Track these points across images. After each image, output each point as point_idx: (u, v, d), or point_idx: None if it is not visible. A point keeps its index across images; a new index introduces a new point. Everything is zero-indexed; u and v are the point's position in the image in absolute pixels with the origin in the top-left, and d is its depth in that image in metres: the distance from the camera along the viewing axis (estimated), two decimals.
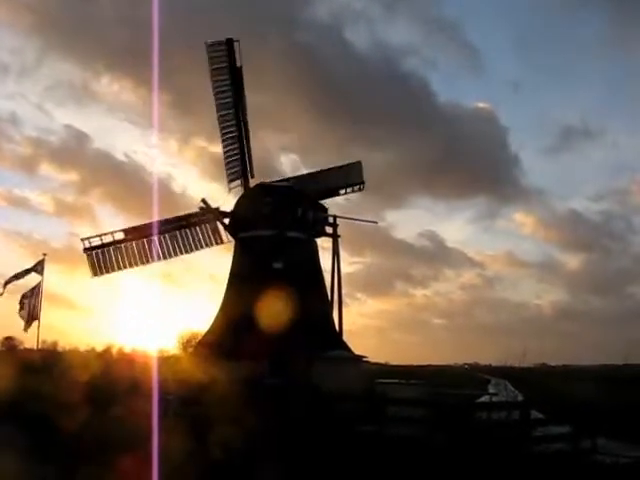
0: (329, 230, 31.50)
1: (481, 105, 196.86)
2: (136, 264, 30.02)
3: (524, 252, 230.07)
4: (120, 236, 29.92)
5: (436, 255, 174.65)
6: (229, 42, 28.81)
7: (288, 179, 32.17)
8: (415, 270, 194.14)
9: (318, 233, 31.25)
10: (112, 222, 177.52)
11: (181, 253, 30.56)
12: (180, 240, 30.40)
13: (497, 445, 12.77)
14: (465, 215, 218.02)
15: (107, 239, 29.80)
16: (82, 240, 29.75)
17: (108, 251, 29.71)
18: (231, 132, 29.90)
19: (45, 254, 31.04)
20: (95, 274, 29.66)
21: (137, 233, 30.07)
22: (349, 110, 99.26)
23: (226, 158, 30.10)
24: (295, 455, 11.53)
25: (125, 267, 29.97)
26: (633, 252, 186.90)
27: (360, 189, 32.77)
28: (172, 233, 30.31)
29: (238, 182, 30.40)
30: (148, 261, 30.01)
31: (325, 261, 31.63)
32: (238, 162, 30.18)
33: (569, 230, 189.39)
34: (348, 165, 33.06)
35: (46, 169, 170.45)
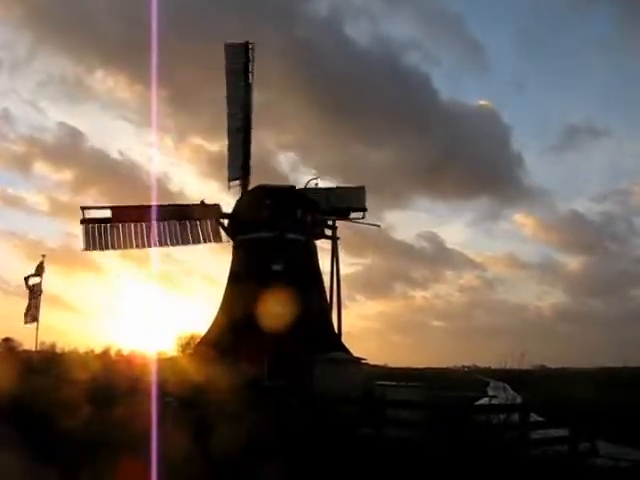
0: (328, 232, 31.51)
1: (484, 103, 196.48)
2: (131, 246, 29.77)
3: (525, 254, 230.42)
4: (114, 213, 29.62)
5: (436, 256, 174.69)
6: (246, 45, 30.01)
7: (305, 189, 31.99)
8: (415, 272, 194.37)
9: (317, 235, 31.25)
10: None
11: (178, 244, 30.28)
12: (179, 230, 30.10)
13: (496, 448, 12.77)
14: (466, 216, 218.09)
15: (106, 214, 29.57)
16: (81, 208, 29.57)
17: (105, 227, 29.38)
18: (237, 133, 30.32)
19: (44, 255, 30.96)
20: (87, 248, 29.47)
21: (136, 214, 29.74)
22: (349, 108, 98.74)
23: (230, 157, 30.55)
24: (294, 457, 11.52)
25: (119, 247, 29.67)
26: (634, 254, 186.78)
27: (363, 217, 31.98)
28: (172, 222, 30.03)
29: (238, 182, 30.66)
30: (144, 245, 29.76)
31: (324, 262, 31.66)
32: (240, 162, 30.47)
33: (570, 231, 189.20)
34: (357, 188, 32.45)
35: (40, 168, 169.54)
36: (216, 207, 30.43)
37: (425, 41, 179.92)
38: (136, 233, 29.64)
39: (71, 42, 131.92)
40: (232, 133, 30.44)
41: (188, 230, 30.25)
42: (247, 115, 30.43)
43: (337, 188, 32.73)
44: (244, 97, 30.28)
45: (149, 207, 29.59)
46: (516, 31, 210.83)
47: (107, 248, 29.63)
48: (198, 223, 30.38)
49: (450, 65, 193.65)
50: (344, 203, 31.82)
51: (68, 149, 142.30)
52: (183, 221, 30.21)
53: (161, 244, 29.87)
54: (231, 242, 30.72)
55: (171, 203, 31.06)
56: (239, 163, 30.52)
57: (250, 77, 30.32)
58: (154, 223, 29.54)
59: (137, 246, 29.80)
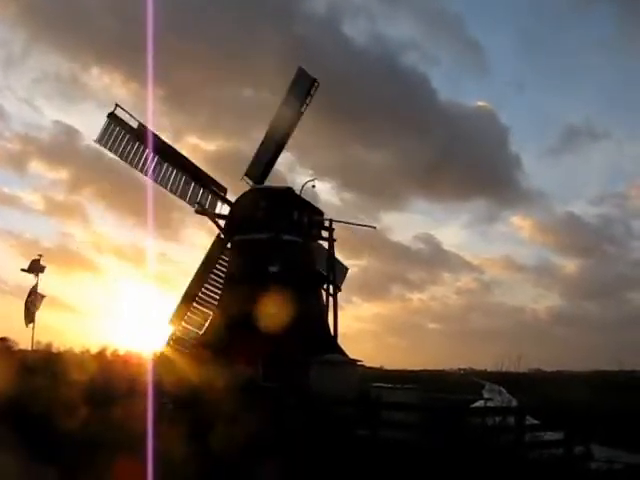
0: (325, 234, 31.56)
1: (482, 104, 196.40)
2: (139, 168, 30.09)
3: (521, 256, 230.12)
4: (140, 128, 29.80)
5: (433, 258, 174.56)
6: (313, 81, 30.71)
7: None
8: (411, 274, 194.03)
9: (314, 237, 31.29)
10: (104, 221, 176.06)
11: (180, 196, 30.70)
12: (186, 184, 30.56)
13: (491, 450, 12.79)
14: (463, 218, 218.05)
15: (133, 123, 29.76)
16: (116, 105, 29.73)
17: (125, 134, 29.64)
18: (272, 143, 30.82)
19: (41, 255, 30.96)
20: (100, 141, 29.55)
21: (156, 143, 30.11)
22: (346, 107, 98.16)
23: (256, 156, 30.97)
24: (291, 458, 11.53)
25: (126, 160, 29.90)
26: (631, 257, 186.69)
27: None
28: (184, 173, 30.56)
29: (250, 181, 30.99)
30: (142, 170, 30.12)
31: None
32: (262, 167, 30.96)
33: (567, 234, 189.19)
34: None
35: (36, 166, 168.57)
36: (223, 190, 30.91)
37: (424, 41, 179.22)
38: (147, 160, 29.90)
39: (66, 39, 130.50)
40: (268, 142, 30.83)
41: (190, 190, 30.72)
42: (287, 135, 31.04)
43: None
44: (290, 120, 30.74)
45: (169, 146, 30.70)
46: (515, 32, 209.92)
47: (116, 153, 29.80)
48: (200, 187, 30.82)
49: (449, 65, 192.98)
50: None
51: (64, 148, 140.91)
52: (191, 179, 30.68)
53: (164, 185, 30.30)
54: (225, 242, 30.79)
55: (184, 155, 31.57)
56: (261, 168, 30.98)
57: (303, 108, 30.82)
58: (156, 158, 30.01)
59: (142, 171, 30.13)
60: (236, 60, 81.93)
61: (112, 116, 29.53)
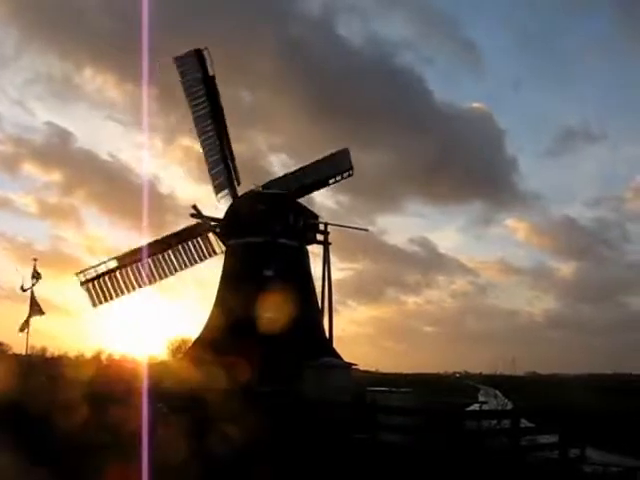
0: (320, 237, 31.53)
1: (478, 105, 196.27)
2: (133, 289, 29.68)
3: (517, 259, 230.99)
4: (113, 264, 29.63)
5: (428, 261, 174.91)
6: (198, 53, 28.99)
7: (279, 178, 31.94)
8: (407, 277, 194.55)
9: (309, 240, 31.27)
10: (97, 224, 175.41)
11: (175, 272, 30.22)
12: (173, 259, 30.10)
13: (487, 454, 12.81)
14: (458, 221, 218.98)
15: (101, 269, 29.50)
16: (77, 274, 29.47)
17: (104, 281, 29.40)
18: (212, 143, 29.86)
19: (36, 259, 30.87)
20: (95, 305, 29.34)
21: (129, 258, 29.79)
22: (341, 108, 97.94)
23: (210, 170, 30.00)
24: (287, 464, 11.53)
25: (122, 294, 29.61)
26: (627, 260, 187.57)
27: (350, 174, 32.23)
28: (164, 253, 30.03)
29: (226, 191, 30.32)
30: (146, 284, 29.75)
31: (316, 267, 31.68)
32: (223, 171, 30.12)
33: (563, 237, 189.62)
34: (336, 153, 32.48)
35: (28, 169, 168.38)
36: (203, 224, 30.23)
37: (419, 41, 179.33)
38: (135, 273, 29.69)
39: (59, 39, 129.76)
40: (207, 147, 29.87)
41: (182, 256, 30.21)
42: (218, 126, 29.82)
43: (311, 163, 32.32)
44: (211, 108, 29.57)
45: (141, 248, 29.87)
46: (511, 31, 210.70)
47: (111, 299, 29.59)
48: (191, 244, 30.33)
49: (444, 66, 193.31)
50: (323, 174, 31.96)
51: (57, 150, 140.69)
52: (177, 247, 30.16)
53: (161, 277, 29.99)
54: (224, 249, 30.68)
55: (161, 236, 30.64)
56: (222, 174, 30.14)
57: (212, 85, 29.39)
58: (145, 262, 29.62)
59: (140, 285, 29.75)
60: (231, 61, 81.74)
61: (84, 284, 29.27)
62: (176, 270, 30.13)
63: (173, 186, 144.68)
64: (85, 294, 29.26)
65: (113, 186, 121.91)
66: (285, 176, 32.00)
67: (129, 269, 29.62)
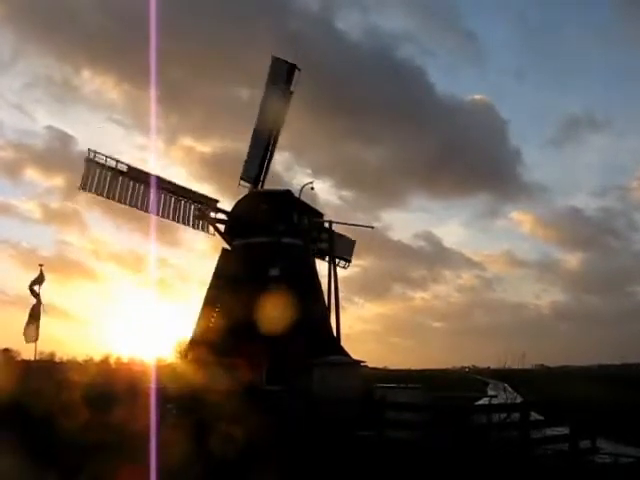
0: (324, 241, 31.63)
1: (480, 97, 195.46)
2: (128, 203, 29.55)
3: (523, 251, 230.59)
4: (123, 168, 29.39)
5: (434, 256, 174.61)
6: (292, 67, 30.57)
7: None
8: (412, 272, 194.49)
9: (314, 239, 31.28)
10: (101, 227, 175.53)
11: (175, 220, 30.32)
12: (178, 207, 30.18)
13: (497, 447, 12.78)
14: (463, 214, 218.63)
15: (111, 163, 29.25)
16: (89, 150, 29.20)
17: (107, 174, 29.10)
18: (262, 138, 30.66)
19: (42, 265, 30.82)
20: (84, 187, 29.01)
21: (140, 175, 29.61)
22: (342, 104, 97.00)
23: (248, 156, 30.77)
24: (295, 461, 11.52)
25: (115, 198, 29.38)
26: (634, 250, 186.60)
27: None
28: (172, 196, 30.10)
29: (248, 185, 30.81)
30: (142, 207, 29.66)
31: (321, 265, 31.70)
32: (257, 167, 30.80)
33: (568, 228, 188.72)
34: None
35: (30, 174, 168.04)
36: (214, 202, 30.60)
37: (419, 33, 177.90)
38: (134, 192, 29.46)
39: (55, 41, 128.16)
40: (256, 139, 30.68)
41: (187, 212, 30.33)
42: (275, 130, 30.75)
43: (336, 234, 33.17)
44: (277, 112, 30.47)
45: (151, 174, 29.78)
46: (513, 21, 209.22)
47: (102, 194, 29.25)
48: (192, 206, 30.44)
49: (445, 58, 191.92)
50: (336, 250, 32.71)
51: (57, 154, 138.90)
52: (180, 200, 30.25)
53: (156, 213, 29.80)
54: (225, 245, 30.77)
55: (172, 181, 30.92)
56: (255, 169, 30.80)
57: (289, 95, 30.65)
58: (154, 190, 29.48)
59: (132, 204, 29.56)
60: (230, 59, 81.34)
61: (89, 161, 29.10)
62: (176, 219, 30.26)
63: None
64: (84, 171, 28.99)
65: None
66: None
67: (135, 183, 29.42)
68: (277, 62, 30.67)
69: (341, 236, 33.86)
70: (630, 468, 12.96)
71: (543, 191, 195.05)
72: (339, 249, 33.46)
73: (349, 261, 34.92)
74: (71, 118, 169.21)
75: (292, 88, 30.50)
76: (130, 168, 29.64)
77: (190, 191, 30.87)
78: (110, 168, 29.17)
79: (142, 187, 29.53)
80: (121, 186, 29.25)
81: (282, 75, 30.55)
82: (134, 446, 11.34)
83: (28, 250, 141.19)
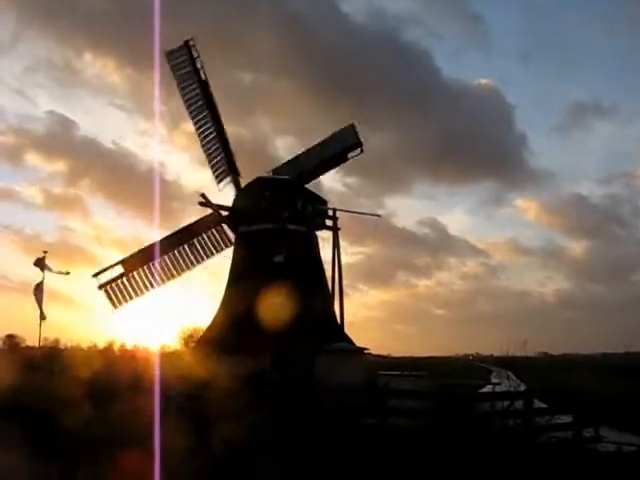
0: (329, 222, 31.46)
1: (486, 82, 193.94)
2: (152, 287, 29.51)
3: (528, 239, 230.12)
4: (127, 267, 29.50)
5: (438, 244, 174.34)
6: (187, 44, 29.55)
7: (285, 164, 31.84)
8: (417, 259, 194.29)
9: (318, 226, 31.23)
10: (104, 213, 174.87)
11: (194, 265, 30.17)
12: (189, 253, 30.03)
13: (500, 435, 12.77)
14: (468, 201, 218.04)
15: (116, 272, 29.30)
16: (93, 276, 29.38)
17: (122, 283, 29.20)
18: (210, 133, 30.20)
19: (46, 251, 30.89)
20: (115, 307, 29.11)
21: (145, 256, 29.56)
22: (346, 87, 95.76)
23: (210, 160, 30.25)
24: (298, 449, 11.53)
25: (142, 293, 29.43)
26: (638, 238, 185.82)
27: (360, 151, 31.24)
28: (179, 249, 29.93)
29: (228, 179, 30.43)
30: (168, 278, 29.67)
31: (325, 252, 31.63)
32: (223, 161, 30.29)
33: (573, 215, 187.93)
34: (342, 130, 31.49)
35: (32, 159, 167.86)
36: (214, 214, 30.14)
37: (425, 16, 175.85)
38: (152, 272, 29.43)
39: (57, 23, 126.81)
40: (205, 139, 30.22)
41: (199, 248, 30.14)
42: (215, 114, 30.16)
43: (317, 144, 31.88)
44: (205, 100, 29.97)
45: (154, 245, 29.57)
46: (519, 5, 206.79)
47: (132, 299, 29.31)
48: (205, 236, 30.25)
49: (451, 41, 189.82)
50: (338, 147, 31.22)
51: (59, 139, 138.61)
52: (191, 242, 30.06)
53: (178, 273, 29.88)
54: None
55: (173, 231, 30.61)
56: (223, 164, 30.28)
57: (202, 74, 29.96)
58: (157, 262, 29.47)
59: (159, 283, 29.54)
60: (231, 42, 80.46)
61: (102, 287, 29.01)
62: (192, 265, 30.10)
63: (178, 172, 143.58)
64: (104, 297, 29.04)
65: (118, 174, 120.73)
66: (291, 161, 31.77)
67: (145, 267, 29.40)
68: (172, 54, 29.63)
69: (333, 135, 31.67)
70: (633, 456, 12.96)
71: (549, 178, 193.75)
72: (344, 142, 31.30)
73: (360, 144, 31.27)
74: (73, 103, 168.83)
75: (199, 64, 29.70)
76: (132, 257, 29.74)
77: (192, 226, 30.42)
78: (120, 275, 29.17)
79: (156, 263, 29.44)
80: (139, 278, 29.31)
81: (185, 60, 29.74)
82: (140, 436, 11.34)
83: (31, 236, 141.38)
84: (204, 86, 29.87)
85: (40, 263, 30.13)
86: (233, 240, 30.44)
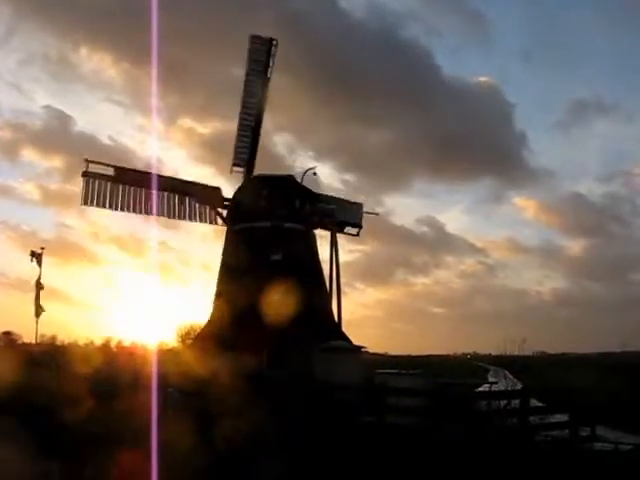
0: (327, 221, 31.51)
1: (486, 79, 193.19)
2: (130, 209, 29.49)
3: (526, 237, 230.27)
4: (121, 173, 29.41)
5: (436, 242, 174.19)
6: (270, 41, 30.47)
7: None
8: (415, 258, 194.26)
9: (316, 224, 31.25)
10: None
11: (177, 217, 30.44)
12: (179, 204, 30.22)
13: (497, 433, 12.82)
14: (466, 199, 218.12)
15: (109, 172, 29.14)
16: (85, 160, 29.02)
17: (107, 185, 29.03)
18: (248, 121, 30.60)
19: (43, 248, 30.81)
20: (85, 202, 28.99)
21: (139, 178, 29.57)
22: (345, 85, 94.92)
23: (237, 142, 30.69)
24: (297, 447, 11.55)
25: (118, 208, 29.36)
26: (637, 237, 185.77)
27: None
28: (173, 194, 30.08)
29: (241, 169, 30.86)
30: (143, 211, 29.66)
31: (323, 250, 31.67)
32: (247, 151, 30.72)
33: (572, 214, 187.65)
34: (356, 204, 33.40)
35: (28, 155, 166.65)
36: (218, 191, 30.69)
37: (425, 12, 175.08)
38: (136, 197, 29.40)
39: (53, 17, 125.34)
40: (243, 122, 30.63)
41: (187, 206, 30.38)
42: (260, 109, 30.68)
43: (337, 199, 33.20)
44: (261, 91, 30.50)
45: (151, 174, 29.53)
46: (519, 2, 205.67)
47: (105, 206, 29.23)
48: (197, 202, 30.51)
49: (451, 38, 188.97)
50: (340, 216, 32.41)
51: (56, 134, 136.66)
52: (183, 196, 30.26)
53: (160, 214, 29.85)
54: (226, 229, 30.82)
55: (173, 176, 31.22)
56: (246, 153, 30.75)
57: (269, 72, 30.65)
58: (154, 192, 29.41)
59: (135, 210, 29.53)
60: (231, 38, 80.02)
61: (86, 175, 28.91)
62: (176, 216, 30.32)
63: (176, 168, 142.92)
64: (82, 186, 28.89)
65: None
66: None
67: (134, 189, 29.42)
68: (255, 40, 30.47)
69: (344, 201, 33.59)
70: (630, 455, 13.00)
71: (548, 176, 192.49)
72: (346, 215, 33.13)
73: (360, 227, 34.19)
74: (69, 98, 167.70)
75: (271, 63, 30.41)
76: (127, 170, 29.77)
77: (192, 184, 30.87)
78: (108, 177, 29.13)
79: (143, 191, 29.53)
80: (122, 194, 29.23)
81: (263, 53, 30.44)
82: (136, 434, 11.35)
83: (28, 233, 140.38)
84: (266, 82, 30.58)
85: (37, 258, 29.98)
86: (219, 222, 30.90)
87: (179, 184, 30.68)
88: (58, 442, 11.72)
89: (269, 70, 30.61)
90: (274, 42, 30.59)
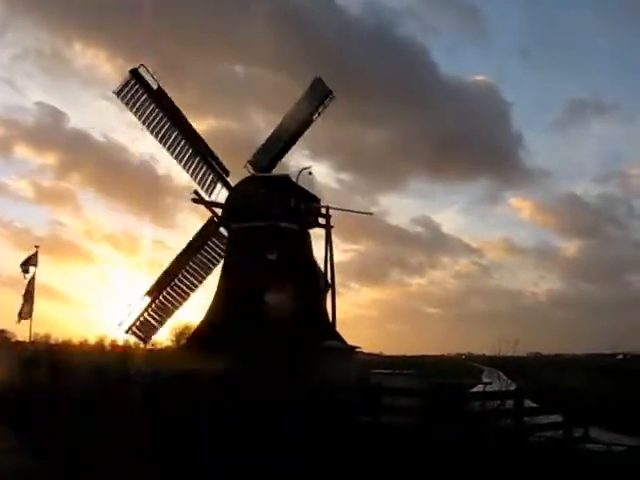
0: (322, 221, 31.48)
1: (483, 78, 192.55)
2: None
3: (521, 238, 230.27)
4: (146, 300, 30.23)
5: (431, 242, 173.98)
6: (134, 73, 29.46)
7: (264, 145, 31.52)
8: (410, 258, 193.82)
9: (311, 224, 31.24)
10: (95, 208, 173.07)
11: (205, 277, 31.01)
12: (197, 268, 30.77)
13: (491, 434, 12.82)
14: (462, 199, 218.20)
15: (136, 312, 30.00)
16: (119, 324, 30.02)
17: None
18: (186, 152, 30.32)
19: (38, 246, 30.71)
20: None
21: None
22: (340, 81, 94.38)
23: (195, 177, 30.44)
24: (293, 446, 11.54)
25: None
26: (633, 239, 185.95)
27: (331, 98, 31.26)
28: (187, 267, 30.67)
29: (219, 187, 30.71)
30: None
31: (318, 249, 31.63)
32: (209, 172, 30.53)
33: (568, 215, 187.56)
34: (309, 87, 31.48)
35: (21, 152, 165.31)
36: (211, 222, 30.75)
37: (422, 10, 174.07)
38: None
39: (47, 12, 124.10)
40: (183, 158, 30.35)
41: (205, 259, 30.97)
42: (185, 129, 30.32)
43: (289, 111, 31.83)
44: (169, 121, 29.99)
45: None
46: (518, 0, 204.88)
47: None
48: (207, 246, 30.98)
49: (448, 36, 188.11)
50: (305, 113, 31.20)
51: (49, 131, 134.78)
52: (196, 256, 30.79)
53: (195, 287, 31.03)
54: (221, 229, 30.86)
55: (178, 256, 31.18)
56: (209, 174, 30.49)
57: (317, 116, 30.85)
58: (175, 281, 30.54)
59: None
60: (226, 35, 79.64)
61: (128, 331, 29.86)
62: (203, 277, 30.96)
63: (170, 166, 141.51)
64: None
65: (109, 168, 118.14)
66: (268, 141, 31.49)
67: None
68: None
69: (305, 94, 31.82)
70: (623, 456, 13.02)
71: (544, 177, 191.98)
72: (315, 98, 31.50)
73: (330, 92, 31.59)
74: (62, 94, 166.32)
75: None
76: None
77: (211, 153, 30.76)
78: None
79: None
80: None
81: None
82: (127, 432, 11.34)
83: (21, 230, 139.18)
84: (167, 106, 29.95)
85: (33, 260, 29.84)
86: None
87: (201, 141, 30.71)
88: (51, 441, 11.69)
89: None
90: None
